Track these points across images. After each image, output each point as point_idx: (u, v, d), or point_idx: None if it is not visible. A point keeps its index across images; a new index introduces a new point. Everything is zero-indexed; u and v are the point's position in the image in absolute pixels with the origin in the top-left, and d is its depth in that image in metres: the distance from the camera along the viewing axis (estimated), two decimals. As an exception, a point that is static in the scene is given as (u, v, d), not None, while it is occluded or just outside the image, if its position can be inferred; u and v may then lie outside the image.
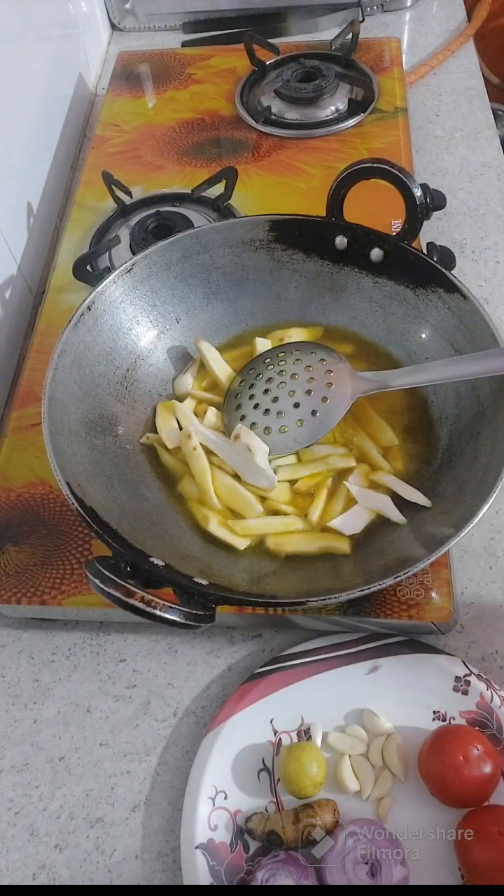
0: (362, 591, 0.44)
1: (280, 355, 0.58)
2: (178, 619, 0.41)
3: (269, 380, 0.57)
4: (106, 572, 0.40)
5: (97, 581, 0.40)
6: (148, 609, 0.40)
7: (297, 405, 0.55)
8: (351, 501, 0.54)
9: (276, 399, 0.56)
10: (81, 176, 0.84)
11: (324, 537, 0.53)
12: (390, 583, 0.44)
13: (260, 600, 0.46)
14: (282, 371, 0.56)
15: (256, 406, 0.56)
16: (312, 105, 0.86)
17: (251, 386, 0.57)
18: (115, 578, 0.40)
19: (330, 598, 0.44)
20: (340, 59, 0.90)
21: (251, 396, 0.57)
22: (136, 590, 0.40)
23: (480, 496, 0.46)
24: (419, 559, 0.44)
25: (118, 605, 0.40)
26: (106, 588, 0.40)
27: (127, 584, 0.40)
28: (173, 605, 0.41)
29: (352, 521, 0.53)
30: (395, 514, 0.53)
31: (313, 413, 0.54)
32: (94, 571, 0.40)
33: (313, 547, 0.53)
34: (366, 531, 0.53)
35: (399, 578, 0.44)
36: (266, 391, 0.56)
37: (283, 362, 0.57)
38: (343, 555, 0.52)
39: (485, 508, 0.45)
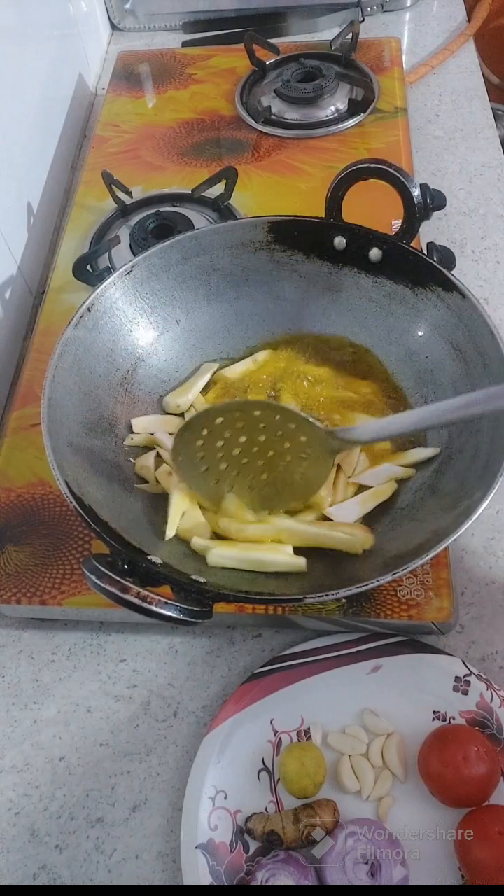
0: (360, 587, 0.43)
1: (238, 425, 0.51)
2: (174, 616, 0.40)
3: (237, 445, 0.52)
4: (102, 568, 0.40)
5: (93, 577, 0.40)
6: (144, 605, 0.40)
7: (275, 471, 0.52)
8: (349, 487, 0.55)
9: (247, 463, 0.52)
10: (81, 176, 0.84)
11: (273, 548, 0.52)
12: (388, 579, 0.44)
13: (258, 598, 0.46)
14: (248, 437, 0.51)
15: (226, 468, 0.52)
16: (312, 105, 0.86)
17: (217, 454, 0.52)
18: (111, 574, 0.40)
19: (327, 595, 0.44)
20: (340, 59, 0.90)
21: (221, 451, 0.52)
22: (132, 586, 0.40)
23: (480, 492, 0.46)
24: (418, 556, 0.44)
25: (114, 601, 0.40)
26: (101, 584, 0.40)
27: (123, 581, 0.40)
28: (170, 602, 0.41)
29: (346, 511, 0.54)
30: (402, 471, 0.55)
31: (298, 475, 0.52)
32: (90, 568, 0.40)
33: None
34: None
35: (397, 574, 0.43)
36: (236, 452, 0.52)
37: (247, 429, 0.51)
38: (344, 553, 0.52)
39: (484, 504, 0.45)
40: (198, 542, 0.52)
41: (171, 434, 0.57)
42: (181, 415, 0.60)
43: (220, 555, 0.50)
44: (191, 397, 0.60)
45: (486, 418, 0.52)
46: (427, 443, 0.56)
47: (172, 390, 0.61)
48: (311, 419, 0.50)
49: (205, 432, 0.51)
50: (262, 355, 0.62)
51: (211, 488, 0.53)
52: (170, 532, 0.52)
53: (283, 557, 0.51)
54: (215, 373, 0.62)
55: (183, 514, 0.53)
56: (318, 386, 0.60)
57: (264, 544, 0.52)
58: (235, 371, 0.62)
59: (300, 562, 0.51)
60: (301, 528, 0.52)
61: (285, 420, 0.51)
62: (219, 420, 0.51)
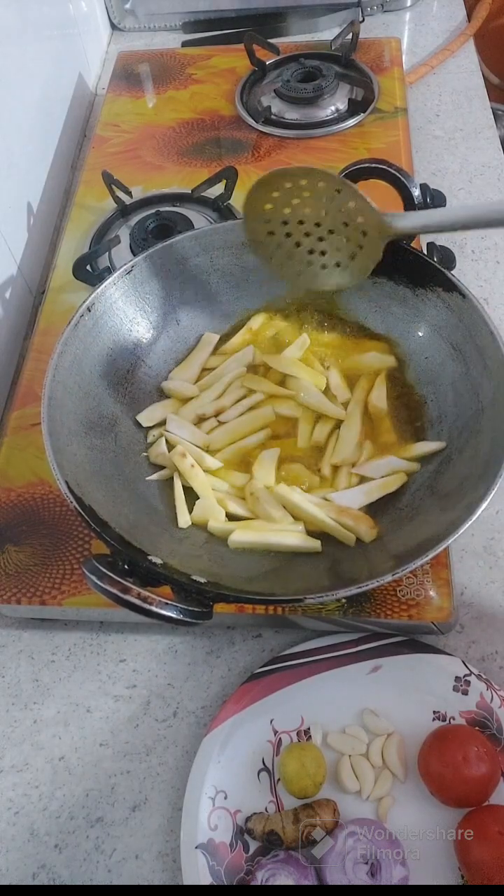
0: (360, 587, 0.44)
1: (305, 194, 0.54)
2: (174, 616, 0.41)
3: (301, 215, 0.54)
4: (102, 569, 0.40)
5: (94, 578, 0.40)
6: (144, 606, 0.40)
7: (332, 248, 0.55)
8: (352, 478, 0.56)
9: (308, 235, 0.55)
10: (81, 176, 0.84)
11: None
12: (388, 579, 0.44)
13: (258, 597, 0.46)
14: (312, 210, 0.54)
15: (288, 235, 0.55)
16: (312, 105, 0.86)
17: (283, 219, 0.55)
18: (112, 575, 0.40)
19: (327, 595, 0.44)
20: (340, 59, 0.90)
21: (284, 226, 0.55)
22: (132, 586, 0.40)
23: (480, 493, 0.46)
24: (418, 556, 0.44)
25: (115, 601, 0.40)
26: (102, 585, 0.40)
27: (124, 581, 0.40)
28: (170, 602, 0.41)
29: (350, 498, 0.54)
30: (405, 464, 0.55)
31: (351, 256, 0.55)
32: (90, 568, 0.41)
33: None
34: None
35: (398, 575, 0.44)
36: (300, 222, 0.55)
37: (313, 200, 0.54)
38: (344, 553, 0.52)
39: (484, 505, 0.45)
40: (215, 525, 0.53)
41: (179, 413, 0.59)
42: (185, 400, 0.60)
43: (240, 536, 0.52)
44: (195, 370, 0.61)
45: (485, 416, 0.52)
46: (430, 437, 0.56)
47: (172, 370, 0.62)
48: (368, 199, 0.52)
49: (275, 195, 0.54)
50: (256, 322, 0.62)
51: (271, 252, 0.56)
52: (183, 521, 0.53)
53: (300, 539, 0.52)
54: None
55: (194, 503, 0.54)
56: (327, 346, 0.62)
57: (280, 525, 0.53)
58: (234, 343, 0.62)
59: (315, 543, 0.52)
60: (310, 507, 0.53)
61: (346, 197, 0.53)
62: (287, 185, 0.53)
